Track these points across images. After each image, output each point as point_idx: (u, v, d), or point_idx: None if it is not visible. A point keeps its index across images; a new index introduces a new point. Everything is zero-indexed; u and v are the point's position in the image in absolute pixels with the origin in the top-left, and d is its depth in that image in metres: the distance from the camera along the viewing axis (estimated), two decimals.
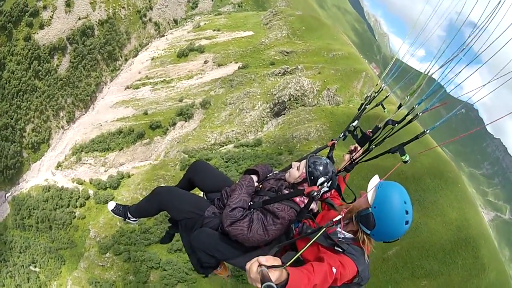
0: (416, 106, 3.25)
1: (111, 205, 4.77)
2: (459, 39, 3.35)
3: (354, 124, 4.27)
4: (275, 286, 2.04)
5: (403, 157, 3.18)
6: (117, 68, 72.31)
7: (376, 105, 4.34)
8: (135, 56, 73.69)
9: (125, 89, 67.42)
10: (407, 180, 40.74)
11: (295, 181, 3.78)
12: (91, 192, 56.44)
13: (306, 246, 2.72)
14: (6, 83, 63.25)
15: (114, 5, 75.42)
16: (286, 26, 68.56)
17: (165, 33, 77.76)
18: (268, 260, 2.23)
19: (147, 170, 53.38)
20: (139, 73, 68.99)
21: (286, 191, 3.77)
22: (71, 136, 67.49)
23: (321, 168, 3.63)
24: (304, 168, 3.70)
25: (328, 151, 4.45)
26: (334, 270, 2.74)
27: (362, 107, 4.35)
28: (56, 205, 56.22)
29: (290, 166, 3.94)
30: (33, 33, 67.00)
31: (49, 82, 67.36)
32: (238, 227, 3.54)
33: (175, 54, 68.48)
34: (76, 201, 55.80)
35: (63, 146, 66.59)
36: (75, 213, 54.96)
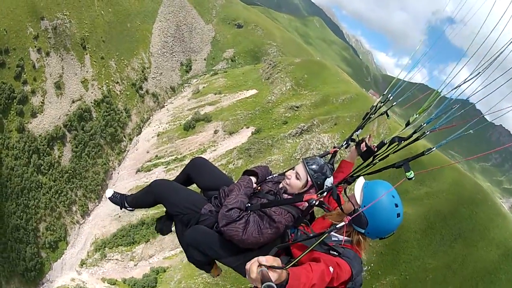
0: (424, 124, 3.18)
1: (109, 192, 4.77)
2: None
3: (357, 132, 4.36)
4: (275, 286, 2.04)
5: (408, 174, 2.89)
6: (123, 150, 69.57)
7: (381, 114, 4.32)
8: (139, 133, 71.18)
9: (136, 172, 64.65)
10: (446, 218, 40.49)
11: (299, 190, 3.65)
12: None
13: (305, 252, 2.68)
14: (7, 181, 59.40)
15: (107, 81, 73.39)
16: (288, 78, 66.97)
17: (164, 103, 75.64)
18: (268, 260, 2.22)
19: (184, 264, 49.99)
20: (148, 152, 66.40)
21: (285, 195, 3.72)
22: (89, 230, 64.37)
23: (315, 167, 3.60)
24: (308, 176, 3.59)
25: (329, 158, 4.39)
26: (331, 269, 2.71)
27: (367, 116, 4.39)
28: None
29: (284, 174, 3.84)
30: (26, 123, 63.89)
31: (54, 176, 64.41)
32: (233, 228, 3.40)
33: (181, 127, 66.17)
34: None
35: (83, 242, 63.40)
36: None
